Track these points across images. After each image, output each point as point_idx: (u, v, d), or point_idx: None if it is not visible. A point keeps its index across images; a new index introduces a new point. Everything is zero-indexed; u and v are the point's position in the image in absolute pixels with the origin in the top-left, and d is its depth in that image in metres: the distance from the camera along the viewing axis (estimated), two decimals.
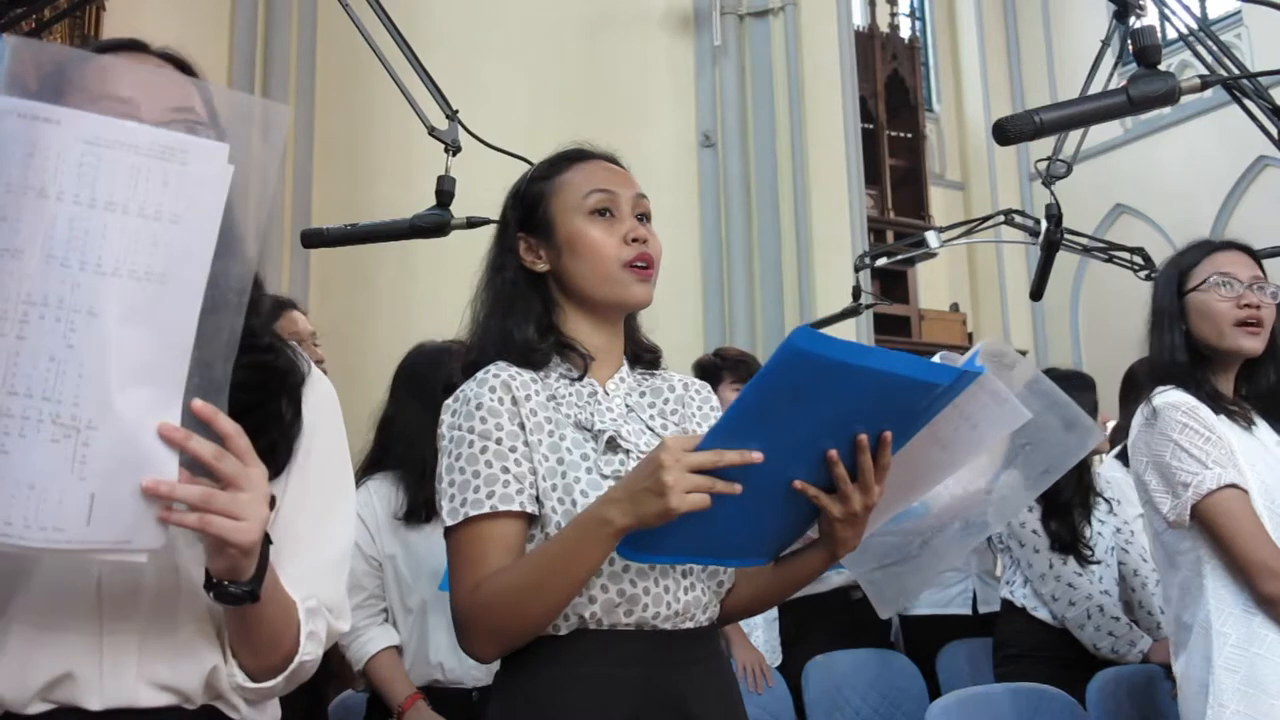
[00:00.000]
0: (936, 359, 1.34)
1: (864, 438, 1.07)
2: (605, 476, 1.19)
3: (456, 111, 2.25)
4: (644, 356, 1.37)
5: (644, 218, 1.30)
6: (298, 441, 1.01)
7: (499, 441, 1.19)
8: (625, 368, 1.33)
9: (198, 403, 0.80)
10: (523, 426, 1.20)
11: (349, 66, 4.53)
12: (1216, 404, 1.82)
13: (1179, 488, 1.75)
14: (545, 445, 1.20)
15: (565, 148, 1.36)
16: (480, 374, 1.23)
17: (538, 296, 1.29)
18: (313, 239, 2.28)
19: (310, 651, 0.98)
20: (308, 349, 2.36)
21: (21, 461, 0.74)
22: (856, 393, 1.01)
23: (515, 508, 1.17)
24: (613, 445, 1.22)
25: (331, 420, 1.07)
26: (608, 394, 1.28)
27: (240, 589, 0.85)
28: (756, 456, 1.01)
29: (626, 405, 1.29)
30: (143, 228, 0.76)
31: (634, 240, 1.26)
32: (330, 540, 1.05)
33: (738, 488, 1.03)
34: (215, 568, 0.85)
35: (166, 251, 0.77)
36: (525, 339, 1.26)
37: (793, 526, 1.20)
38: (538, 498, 1.18)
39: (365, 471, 2.23)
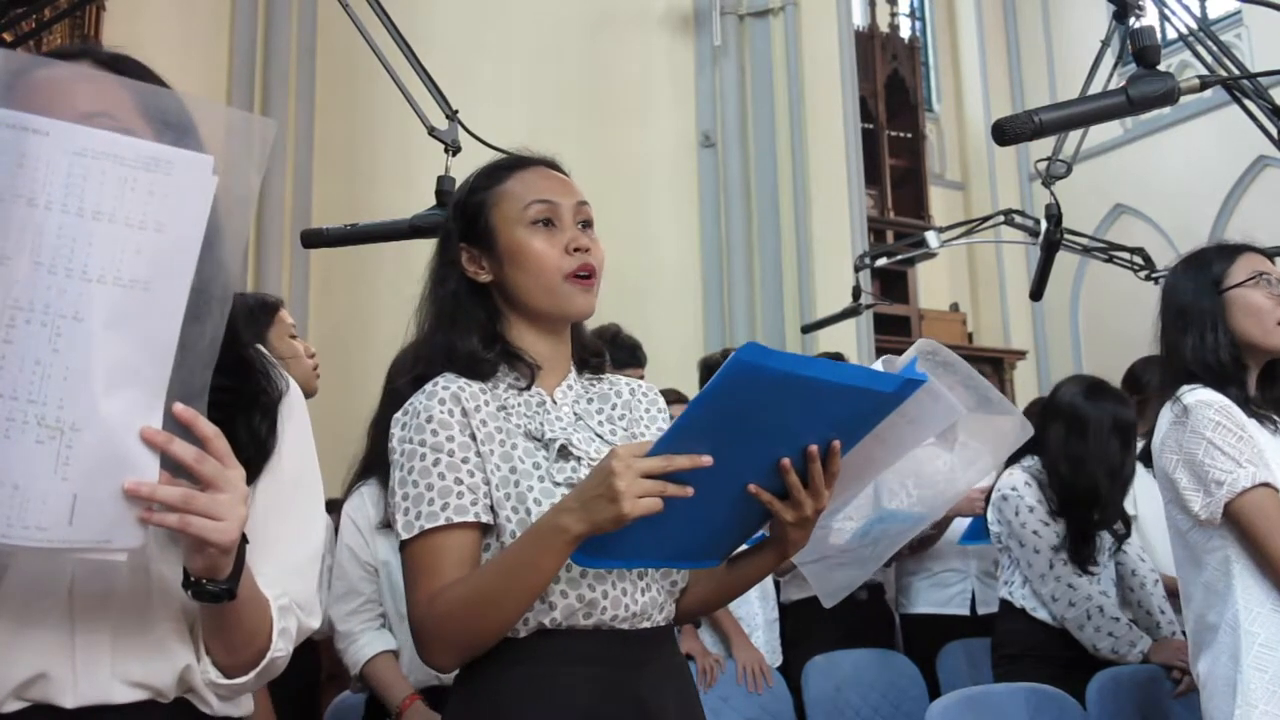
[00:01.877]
0: (878, 365, 1.38)
1: (814, 448, 1.11)
2: (558, 484, 1.20)
3: (456, 111, 2.25)
4: (590, 361, 1.38)
5: (586, 225, 1.30)
6: (272, 456, 1.02)
7: (450, 453, 1.19)
8: (572, 375, 1.34)
9: (179, 406, 0.82)
10: (474, 437, 1.21)
11: (349, 66, 4.53)
12: (1248, 405, 1.81)
13: (1212, 485, 1.74)
14: (497, 455, 1.21)
15: (501, 156, 1.36)
16: (429, 386, 1.24)
17: (481, 307, 1.29)
18: (313, 239, 2.28)
19: (281, 648, 1.00)
20: (302, 344, 2.35)
21: (6, 462, 0.76)
22: (804, 402, 1.05)
23: (470, 518, 1.18)
24: (564, 453, 1.23)
25: (300, 423, 1.08)
26: (555, 403, 1.29)
27: (218, 587, 0.87)
28: (706, 461, 1.04)
29: (575, 413, 1.30)
30: (128, 236, 0.78)
31: (576, 250, 1.26)
32: (302, 540, 1.06)
33: (689, 491, 1.05)
34: (194, 567, 0.87)
35: (151, 259, 0.79)
36: (470, 350, 1.26)
37: (744, 528, 1.23)
38: (491, 507, 1.20)
39: (360, 476, 2.22)
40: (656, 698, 1.20)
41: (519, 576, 1.12)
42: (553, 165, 1.35)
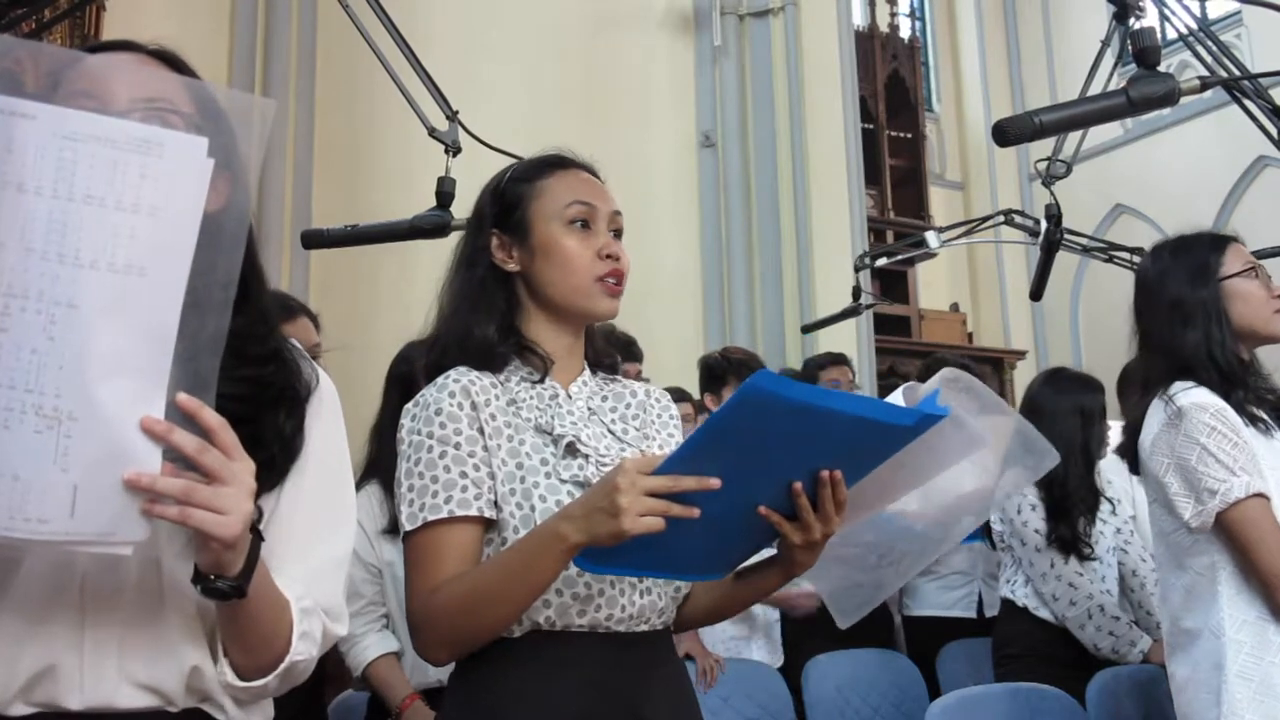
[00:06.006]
0: (898, 394, 1.36)
1: (826, 474, 1.09)
2: (564, 481, 1.21)
3: (456, 112, 2.25)
4: (603, 363, 1.39)
5: (617, 234, 1.32)
6: (299, 456, 1.00)
7: (457, 446, 1.20)
8: (586, 373, 1.35)
9: (182, 396, 0.80)
10: (482, 431, 1.22)
11: (349, 66, 4.52)
12: (1245, 407, 1.76)
13: (1205, 494, 1.70)
14: (504, 450, 1.22)
15: (547, 152, 1.37)
16: (440, 379, 1.25)
17: (503, 295, 1.31)
18: (313, 239, 2.28)
19: (303, 652, 0.97)
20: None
21: (6, 452, 0.75)
22: (818, 430, 1.03)
23: (473, 513, 1.18)
24: (571, 450, 1.23)
25: (332, 421, 1.06)
26: (570, 396, 1.30)
27: (227, 584, 0.85)
28: (714, 484, 1.03)
29: (588, 408, 1.31)
30: (121, 221, 0.76)
31: (607, 256, 1.28)
32: (328, 542, 1.04)
33: (695, 512, 1.04)
34: (201, 562, 0.85)
35: (145, 244, 0.77)
36: (486, 338, 1.27)
37: (751, 545, 1.22)
38: (495, 502, 1.20)
39: (364, 478, 2.22)
40: (652, 703, 1.20)
41: (517, 578, 1.12)
42: (593, 172, 1.37)
